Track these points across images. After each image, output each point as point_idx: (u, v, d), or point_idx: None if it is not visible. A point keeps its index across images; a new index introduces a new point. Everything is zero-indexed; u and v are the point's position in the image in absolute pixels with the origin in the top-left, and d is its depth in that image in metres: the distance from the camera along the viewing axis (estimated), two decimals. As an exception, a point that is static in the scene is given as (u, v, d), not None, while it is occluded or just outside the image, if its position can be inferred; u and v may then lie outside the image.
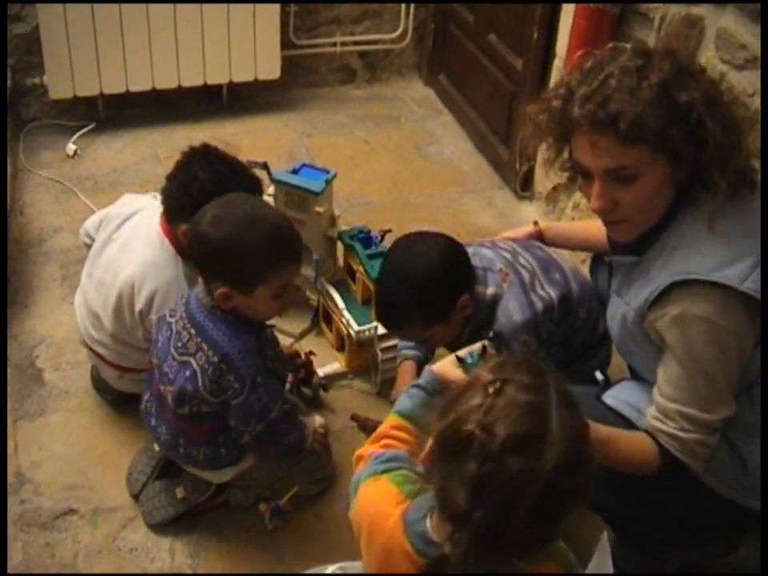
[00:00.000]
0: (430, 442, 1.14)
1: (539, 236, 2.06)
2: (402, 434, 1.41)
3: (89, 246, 2.19)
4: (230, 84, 3.40)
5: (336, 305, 2.35)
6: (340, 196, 2.81)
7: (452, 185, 3.17)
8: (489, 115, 3.27)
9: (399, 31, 3.64)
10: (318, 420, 2.04)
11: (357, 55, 3.71)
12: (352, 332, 2.29)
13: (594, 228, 1.83)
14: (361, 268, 2.33)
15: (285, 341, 2.26)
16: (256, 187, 2.01)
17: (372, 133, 3.45)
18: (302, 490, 2.00)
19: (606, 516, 1.68)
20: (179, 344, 1.81)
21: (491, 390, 1.09)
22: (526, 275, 1.89)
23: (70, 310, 2.43)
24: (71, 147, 3.19)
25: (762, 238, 1.42)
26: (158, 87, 3.26)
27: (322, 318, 2.49)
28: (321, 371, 2.30)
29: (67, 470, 2.08)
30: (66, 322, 2.44)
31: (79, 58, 3.10)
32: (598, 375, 1.76)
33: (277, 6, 3.26)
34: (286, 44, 3.42)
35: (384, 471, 1.32)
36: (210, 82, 3.33)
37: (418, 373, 2.20)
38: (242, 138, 3.33)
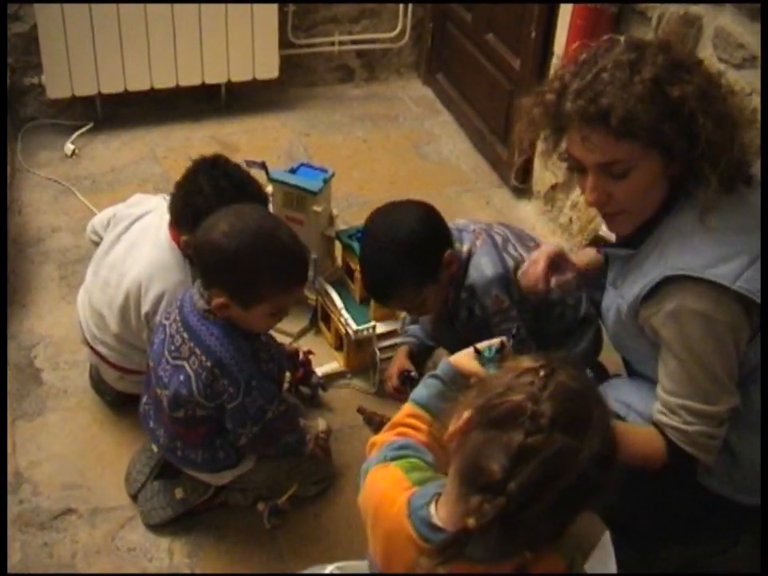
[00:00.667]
0: (466, 414, 1.15)
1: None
2: (417, 423, 1.42)
3: (95, 243, 2.18)
4: (229, 83, 3.40)
5: (334, 304, 2.35)
6: (338, 195, 2.81)
7: (450, 184, 3.17)
8: (487, 114, 3.27)
9: (397, 30, 3.64)
10: (321, 424, 2.03)
11: (355, 54, 3.71)
12: (350, 331, 2.29)
13: None
14: (359, 267, 2.33)
15: (283, 340, 2.26)
16: (262, 205, 1.98)
17: (370, 132, 3.45)
18: (301, 491, 1.99)
19: (602, 513, 1.68)
20: (173, 347, 1.80)
21: (542, 372, 1.13)
22: (498, 238, 1.95)
23: (68, 309, 2.43)
24: (69, 147, 3.19)
25: (762, 237, 1.42)
26: (156, 87, 3.25)
27: (321, 317, 2.49)
28: (319, 370, 2.30)
29: (66, 469, 2.08)
30: (65, 321, 2.43)
31: (77, 58, 3.09)
32: (588, 373, 1.77)
33: (275, 6, 3.26)
34: (284, 43, 3.42)
35: (393, 458, 1.33)
36: (208, 81, 3.32)
37: (412, 359, 2.22)
38: (241, 137, 3.33)
